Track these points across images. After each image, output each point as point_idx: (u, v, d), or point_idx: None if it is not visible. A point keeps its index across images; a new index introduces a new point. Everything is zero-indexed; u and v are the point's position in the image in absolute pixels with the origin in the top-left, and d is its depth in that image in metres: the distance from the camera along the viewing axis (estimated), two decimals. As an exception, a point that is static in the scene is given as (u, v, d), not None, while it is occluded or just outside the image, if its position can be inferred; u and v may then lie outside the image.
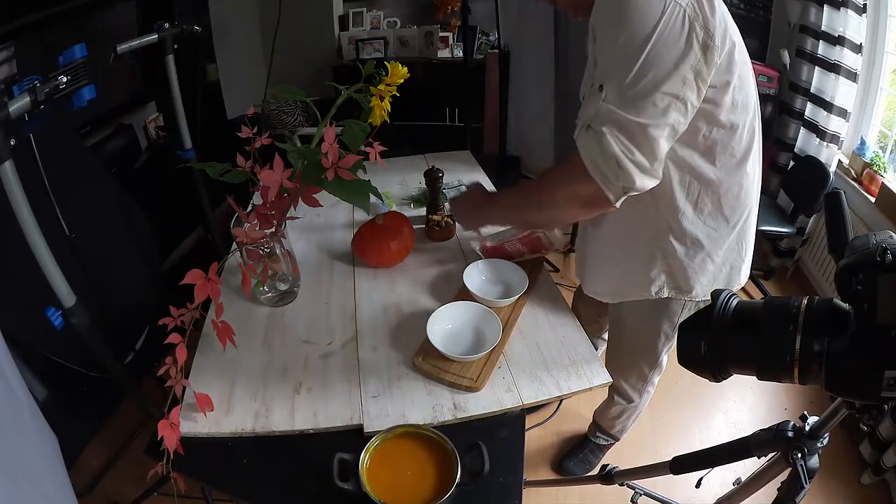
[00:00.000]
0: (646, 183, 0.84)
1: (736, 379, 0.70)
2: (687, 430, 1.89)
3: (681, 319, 1.18)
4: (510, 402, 0.94)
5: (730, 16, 0.84)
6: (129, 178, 2.08)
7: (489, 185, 1.57)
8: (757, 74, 0.94)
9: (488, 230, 1.26)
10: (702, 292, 1.08)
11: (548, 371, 1.00)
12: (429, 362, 0.99)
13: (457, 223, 1.37)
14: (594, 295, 1.23)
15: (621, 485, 1.30)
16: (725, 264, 1.07)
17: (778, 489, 0.87)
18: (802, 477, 0.81)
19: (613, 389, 1.47)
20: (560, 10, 0.97)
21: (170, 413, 0.82)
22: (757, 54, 2.63)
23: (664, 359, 1.30)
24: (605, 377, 0.99)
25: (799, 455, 0.82)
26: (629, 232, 1.06)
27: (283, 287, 1.17)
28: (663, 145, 0.81)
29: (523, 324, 1.12)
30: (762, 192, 1.10)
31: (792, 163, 2.48)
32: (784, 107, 2.51)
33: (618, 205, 0.86)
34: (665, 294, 1.10)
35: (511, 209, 1.07)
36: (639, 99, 0.78)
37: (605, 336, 1.63)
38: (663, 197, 0.96)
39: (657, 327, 1.20)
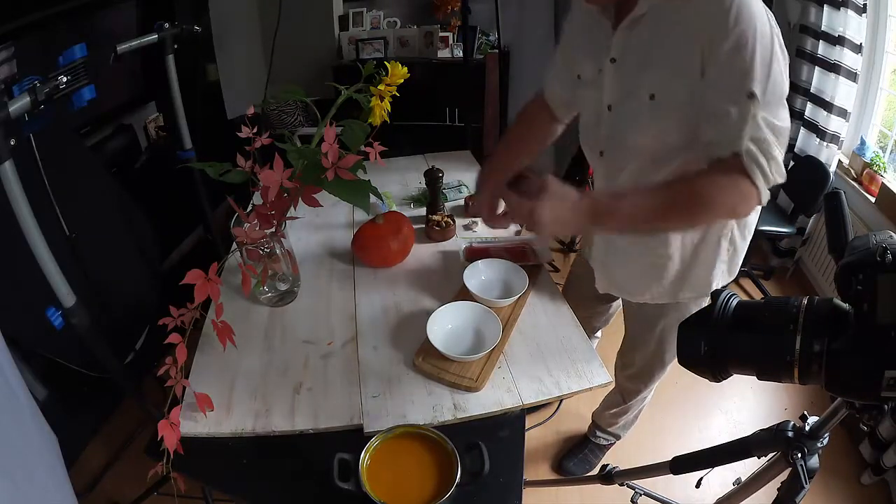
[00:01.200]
0: None
1: (736, 379, 0.70)
2: (687, 430, 1.89)
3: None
4: (510, 402, 0.94)
5: None
6: (129, 178, 2.07)
7: None
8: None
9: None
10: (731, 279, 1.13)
11: (548, 371, 1.00)
12: (429, 362, 0.99)
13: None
14: (651, 299, 1.16)
15: (621, 485, 1.30)
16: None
17: (778, 489, 0.87)
18: (802, 477, 0.81)
19: (622, 388, 1.47)
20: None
21: (170, 413, 0.82)
22: (757, 54, 2.62)
23: None
24: (605, 377, 0.99)
25: (799, 455, 0.82)
26: (703, 232, 1.05)
27: (283, 287, 1.17)
28: None
29: (523, 324, 1.12)
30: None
31: (792, 163, 2.48)
32: (784, 107, 2.51)
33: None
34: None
35: (641, 216, 0.84)
36: (779, 103, 0.83)
37: (598, 335, 1.65)
38: None
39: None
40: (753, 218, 1.07)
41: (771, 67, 0.80)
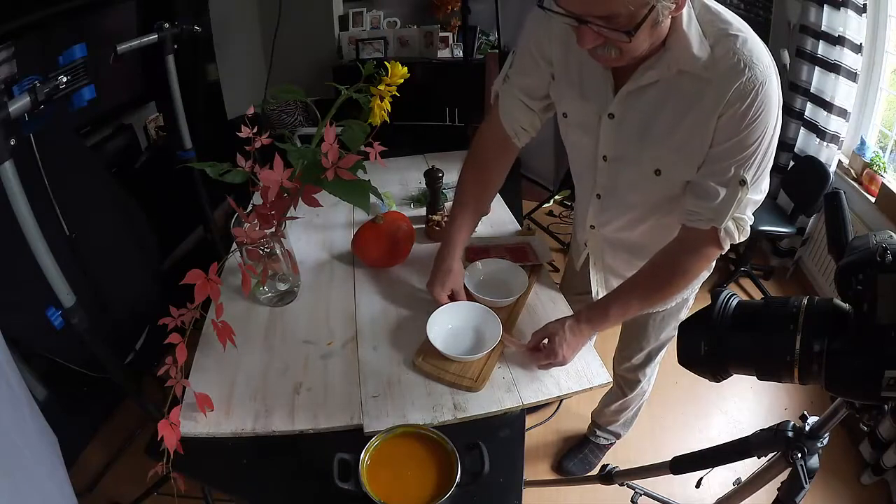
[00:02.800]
0: None
1: (736, 379, 0.70)
2: (687, 430, 1.89)
3: (689, 303, 1.25)
4: (510, 402, 0.94)
5: None
6: (129, 178, 2.07)
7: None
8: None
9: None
10: None
11: (548, 371, 1.00)
12: (429, 362, 0.99)
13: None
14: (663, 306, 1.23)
15: (621, 485, 1.30)
16: None
17: (778, 489, 0.87)
18: (802, 477, 0.81)
19: (623, 380, 1.48)
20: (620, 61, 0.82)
21: (170, 413, 0.82)
22: (757, 54, 2.62)
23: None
24: (605, 377, 0.99)
25: (799, 455, 0.82)
26: None
27: (283, 287, 1.17)
28: None
29: (523, 324, 1.11)
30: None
31: (792, 163, 2.48)
32: (784, 107, 2.50)
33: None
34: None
35: (631, 308, 0.99)
36: (765, 178, 0.87)
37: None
38: None
39: (678, 317, 1.26)
40: None
41: (767, 154, 0.83)
